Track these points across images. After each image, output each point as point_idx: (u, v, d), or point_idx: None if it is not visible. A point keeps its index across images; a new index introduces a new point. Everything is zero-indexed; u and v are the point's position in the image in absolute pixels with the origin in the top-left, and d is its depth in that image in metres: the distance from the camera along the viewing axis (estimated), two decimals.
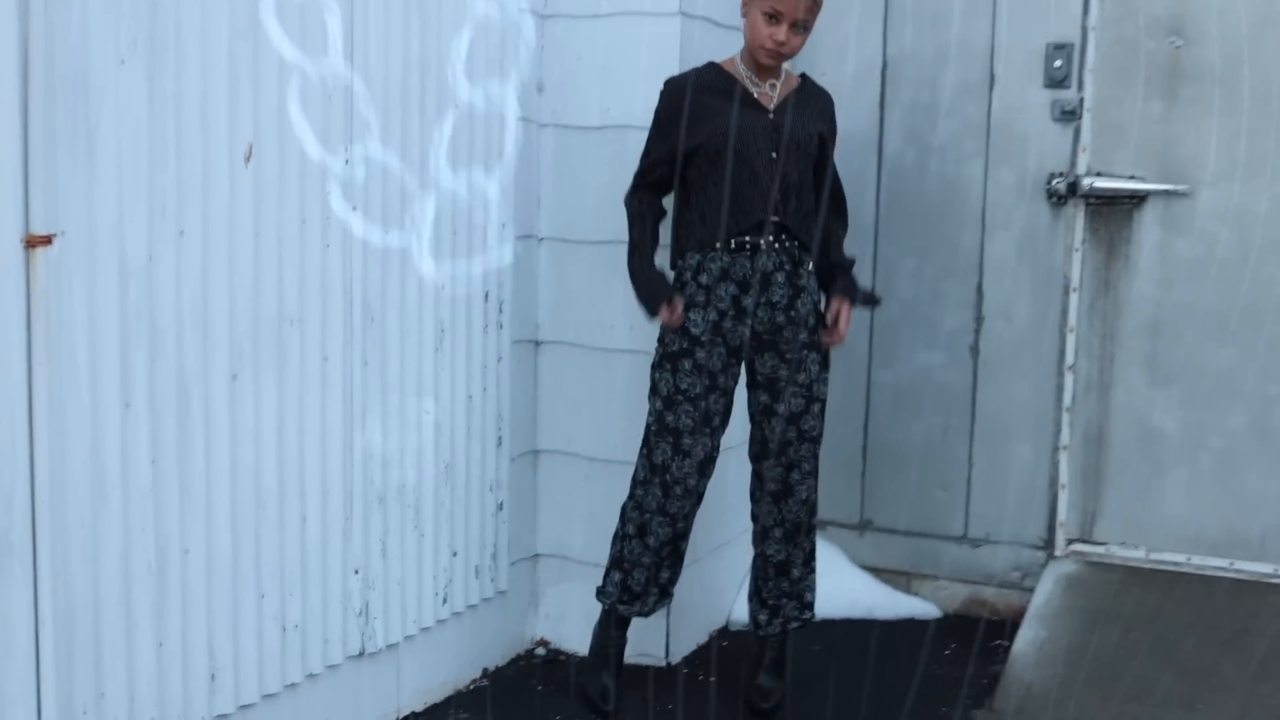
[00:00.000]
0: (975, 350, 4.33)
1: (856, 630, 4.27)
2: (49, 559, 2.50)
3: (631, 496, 3.60)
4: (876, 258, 4.40)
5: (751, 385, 3.56)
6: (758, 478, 3.62)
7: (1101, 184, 4.11)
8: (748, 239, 3.45)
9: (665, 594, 3.67)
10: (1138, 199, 4.10)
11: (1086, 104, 4.11)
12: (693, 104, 3.44)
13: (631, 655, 3.89)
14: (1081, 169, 4.14)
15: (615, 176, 3.73)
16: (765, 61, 3.44)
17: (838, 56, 4.38)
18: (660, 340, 3.52)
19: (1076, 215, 4.16)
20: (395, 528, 3.40)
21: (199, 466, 2.81)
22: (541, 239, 3.93)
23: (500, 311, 3.74)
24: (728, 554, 4.20)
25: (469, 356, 3.63)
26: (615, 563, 3.63)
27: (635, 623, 3.81)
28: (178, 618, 2.79)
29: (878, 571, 4.50)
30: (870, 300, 3.78)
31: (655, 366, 3.52)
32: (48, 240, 2.45)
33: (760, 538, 3.65)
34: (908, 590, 4.47)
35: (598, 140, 3.79)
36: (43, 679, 2.51)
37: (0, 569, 2.43)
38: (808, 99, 3.55)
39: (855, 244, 4.32)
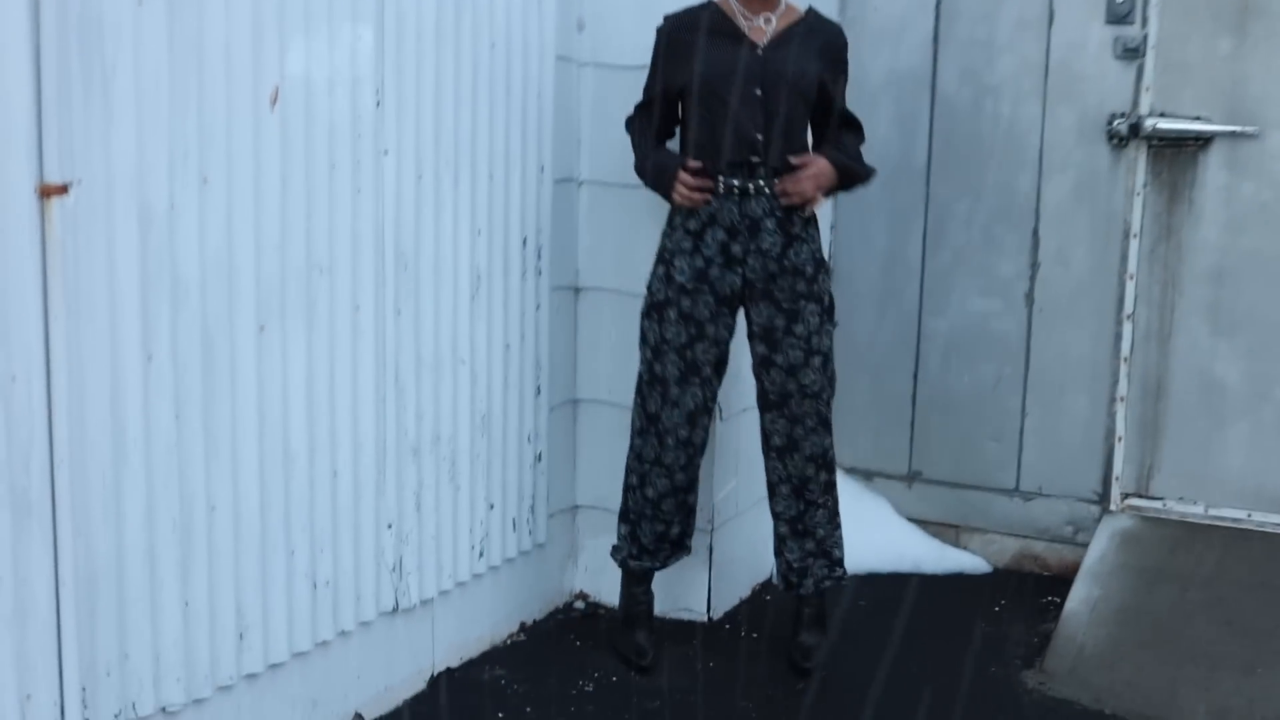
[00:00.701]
0: (1030, 298, 4.18)
1: (903, 584, 4.17)
2: (69, 518, 2.42)
3: (631, 447, 3.53)
4: (929, 201, 4.25)
5: (750, 335, 3.44)
6: (763, 430, 3.50)
7: (1165, 125, 3.94)
8: (735, 183, 3.31)
9: (679, 547, 3.59)
10: (1203, 141, 3.93)
11: (1150, 41, 3.94)
12: (680, 43, 3.35)
13: (672, 610, 3.83)
14: (1144, 109, 3.97)
15: None
16: None
17: None
18: (648, 288, 3.44)
19: (1138, 158, 4.00)
20: (430, 481, 3.31)
21: (225, 421, 2.72)
22: (581, 182, 3.81)
23: (539, 257, 3.63)
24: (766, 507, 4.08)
25: (506, 304, 3.52)
26: (623, 515, 3.57)
27: (675, 577, 3.73)
28: (204, 576, 2.72)
29: (925, 524, 4.39)
30: (854, 177, 3.47)
31: (643, 315, 3.45)
32: (63, 189, 2.34)
33: (771, 493, 3.55)
34: (956, 544, 4.36)
35: (637, 80, 3.65)
36: (64, 641, 2.44)
37: (19, 528, 2.34)
38: (809, 35, 3.37)
39: (907, 186, 4.21)
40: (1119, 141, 4.00)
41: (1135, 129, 3.96)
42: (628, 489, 3.56)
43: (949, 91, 4.20)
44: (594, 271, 3.84)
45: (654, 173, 3.39)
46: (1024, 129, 4.12)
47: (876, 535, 4.32)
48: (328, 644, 3.07)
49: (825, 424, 3.45)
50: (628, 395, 3.79)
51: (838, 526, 3.56)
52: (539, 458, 3.72)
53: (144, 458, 2.55)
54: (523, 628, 3.77)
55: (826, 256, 3.54)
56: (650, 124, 3.43)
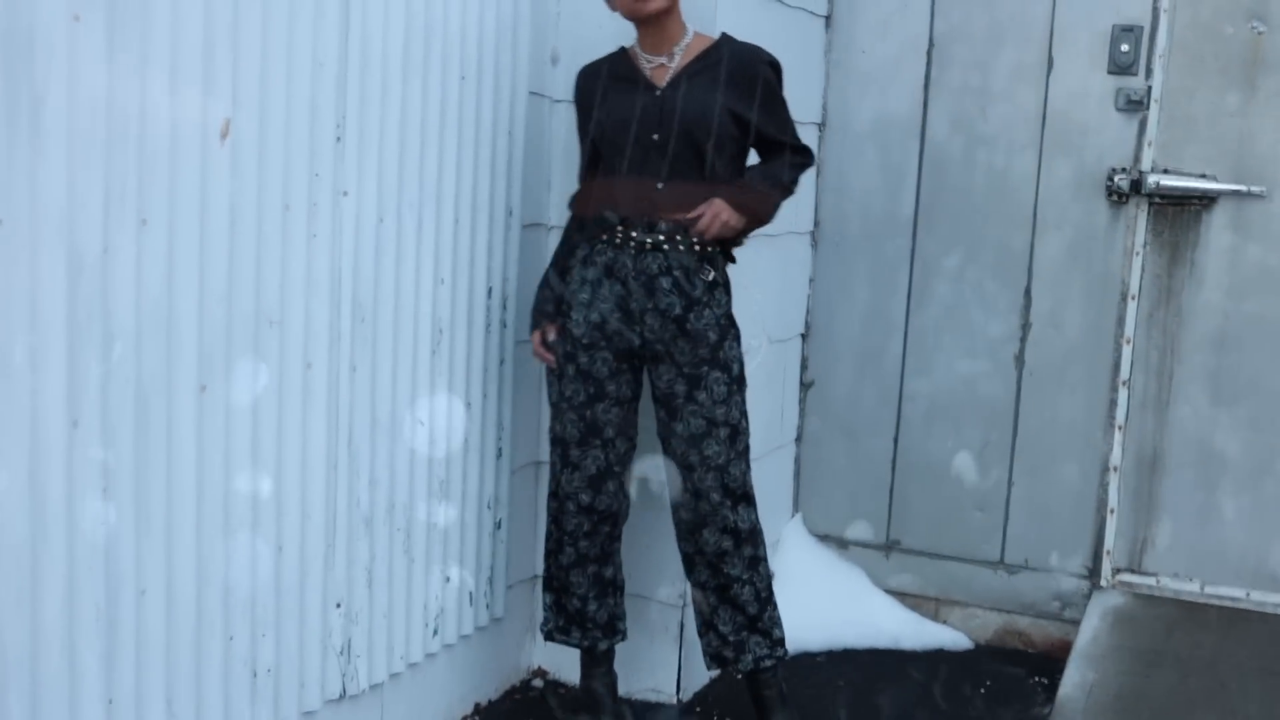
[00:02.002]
0: (1020, 360, 3.95)
1: (881, 661, 3.92)
2: None
3: (547, 510, 3.31)
4: (914, 254, 4.02)
5: (653, 398, 3.19)
6: (671, 499, 3.22)
7: (1169, 182, 3.73)
8: (633, 234, 3.07)
9: (610, 631, 3.30)
10: (1208, 200, 3.72)
11: (1155, 93, 3.73)
12: (587, 93, 3.20)
13: (639, 690, 3.56)
14: (1146, 165, 3.76)
15: None
16: (638, 17, 3.05)
17: (879, 32, 3.99)
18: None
19: (1139, 215, 3.79)
20: (383, 553, 3.01)
21: (159, 494, 2.41)
22: (551, 228, 3.53)
23: (504, 309, 3.35)
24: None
25: (469, 359, 3.23)
26: (546, 583, 3.33)
27: (643, 655, 3.46)
28: (130, 668, 2.39)
29: (904, 596, 4.14)
30: (757, 213, 3.12)
31: (547, 370, 3.25)
32: None
33: (687, 568, 3.25)
34: (936, 618, 4.11)
35: None
36: None
37: None
38: (715, 66, 3.07)
39: (892, 239, 3.99)
40: (1119, 198, 3.79)
41: (1136, 185, 3.75)
42: (546, 555, 3.31)
43: (939, 140, 3.97)
44: None
45: (535, 299, 3.28)
46: (1018, 182, 3.90)
47: (852, 608, 4.07)
48: None
49: (738, 498, 3.14)
50: None
51: (774, 607, 3.24)
52: (499, 525, 3.43)
53: (65, 536, 2.23)
54: (477, 709, 3.47)
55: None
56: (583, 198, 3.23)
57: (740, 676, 3.29)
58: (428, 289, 3.06)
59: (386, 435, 2.98)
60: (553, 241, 3.52)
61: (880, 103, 4.01)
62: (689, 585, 3.26)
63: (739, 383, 3.14)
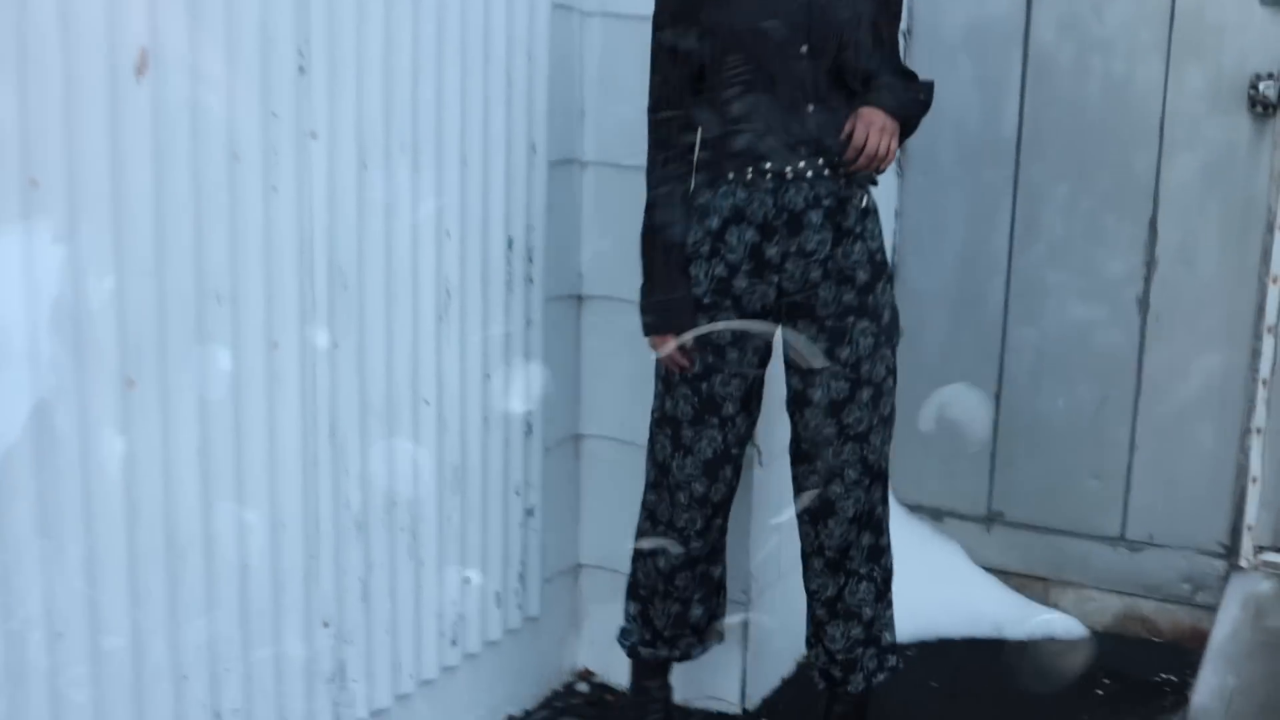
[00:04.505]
0: (1144, 303, 3.38)
1: (981, 653, 3.43)
2: None
3: (643, 504, 2.78)
4: (1018, 183, 3.45)
5: (785, 362, 2.66)
6: (795, 486, 2.73)
7: None
8: (769, 166, 2.52)
9: (707, 635, 2.85)
10: None
11: None
12: None
13: (697, 698, 3.10)
14: None
15: None
16: None
17: None
18: None
19: None
20: (382, 559, 2.55)
21: (74, 517, 1.96)
22: (585, 164, 3.02)
23: (529, 261, 2.86)
24: None
25: (486, 324, 2.75)
26: (631, 590, 2.84)
27: (702, 658, 2.97)
28: None
29: (1008, 576, 3.62)
30: (912, 111, 2.61)
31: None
32: None
33: (804, 566, 2.78)
34: (1045, 600, 3.59)
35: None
36: None
37: None
38: None
39: (992, 165, 3.42)
40: (1265, 109, 3.18)
41: None
42: (637, 557, 2.80)
43: (1046, 46, 3.37)
44: (602, 276, 3.07)
45: (654, 303, 2.61)
46: (1141, 94, 3.30)
47: (948, 590, 3.55)
48: None
49: (875, 475, 2.67)
50: (644, 430, 3.03)
51: (889, 604, 2.79)
52: (530, 513, 2.96)
53: None
54: None
55: (889, 255, 2.72)
56: (675, 150, 2.59)
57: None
58: (429, 245, 2.57)
59: (382, 421, 2.51)
60: (588, 180, 3.02)
61: (975, 4, 3.41)
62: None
63: (888, 333, 2.63)
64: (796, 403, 2.66)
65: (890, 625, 2.80)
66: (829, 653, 2.77)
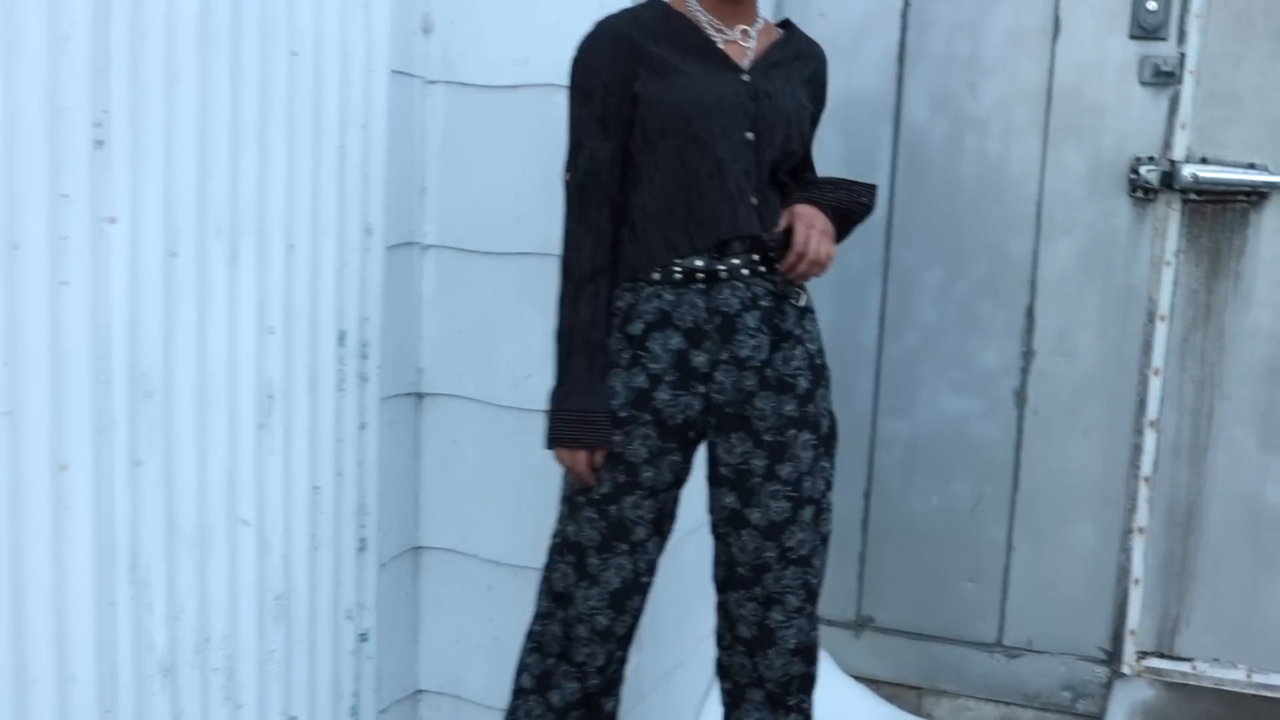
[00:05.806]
0: (1021, 395, 3.19)
1: None
2: None
3: (529, 635, 2.45)
4: (888, 267, 3.25)
5: (713, 480, 2.38)
6: (724, 615, 2.45)
7: (1207, 174, 2.99)
8: (700, 264, 2.26)
9: None
10: (1257, 195, 2.99)
11: (1189, 62, 2.99)
12: (616, 60, 2.23)
13: None
14: (1179, 153, 3.01)
15: (537, 158, 2.58)
16: None
17: None
18: None
19: (1170, 216, 3.04)
20: (192, 708, 2.20)
21: None
22: (427, 247, 2.73)
23: (364, 358, 2.54)
24: (684, 679, 3.05)
25: (314, 430, 2.42)
26: None
27: None
28: None
29: (879, 685, 3.38)
30: (851, 214, 2.40)
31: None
32: None
33: (732, 700, 2.49)
34: (918, 711, 3.36)
35: (511, 104, 2.62)
36: None
37: None
38: (796, 59, 2.37)
39: (860, 248, 3.24)
40: (1145, 194, 3.04)
41: (1168, 178, 3.00)
42: (518, 692, 2.45)
43: (918, 123, 3.19)
44: (444, 371, 2.77)
45: (567, 406, 2.27)
46: (1018, 175, 3.13)
47: (814, 700, 3.29)
48: None
49: (815, 597, 2.42)
50: (491, 543, 2.76)
51: None
52: (364, 638, 2.63)
53: None
54: None
55: (824, 357, 2.44)
56: (601, 237, 2.28)
57: None
58: (249, 343, 2.24)
59: (192, 547, 2.17)
60: (429, 265, 2.73)
61: (848, 77, 3.22)
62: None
63: (827, 443, 2.36)
64: (731, 523, 2.36)
65: None
66: None
